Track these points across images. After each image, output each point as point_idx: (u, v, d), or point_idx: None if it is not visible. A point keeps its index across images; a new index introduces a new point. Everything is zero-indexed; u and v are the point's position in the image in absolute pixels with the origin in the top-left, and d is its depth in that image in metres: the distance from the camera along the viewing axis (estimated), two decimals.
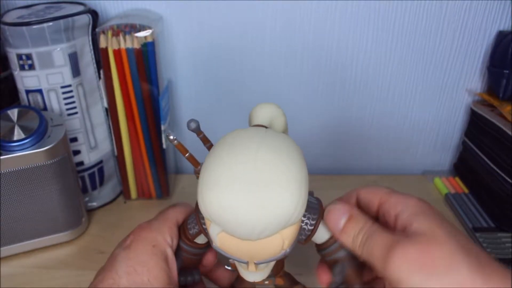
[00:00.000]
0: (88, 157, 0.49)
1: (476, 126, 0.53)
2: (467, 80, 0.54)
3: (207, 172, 0.23)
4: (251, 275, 0.27)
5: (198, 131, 0.28)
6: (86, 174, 0.49)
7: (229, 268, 0.32)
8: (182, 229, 0.32)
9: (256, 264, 0.25)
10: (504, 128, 0.47)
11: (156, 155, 0.50)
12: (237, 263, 0.27)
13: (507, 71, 0.48)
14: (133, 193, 0.53)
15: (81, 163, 0.49)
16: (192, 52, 0.54)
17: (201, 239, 0.32)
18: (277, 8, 0.50)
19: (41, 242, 0.45)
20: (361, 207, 0.29)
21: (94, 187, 0.51)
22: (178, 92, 0.56)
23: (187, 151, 0.30)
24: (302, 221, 0.27)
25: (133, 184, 0.52)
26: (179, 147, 0.29)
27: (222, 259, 0.32)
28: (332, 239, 0.28)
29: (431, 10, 0.50)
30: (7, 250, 0.43)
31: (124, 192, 0.53)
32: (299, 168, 0.23)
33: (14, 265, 0.43)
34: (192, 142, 0.59)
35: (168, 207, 0.34)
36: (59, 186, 0.43)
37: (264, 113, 0.30)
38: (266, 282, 0.31)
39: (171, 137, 0.28)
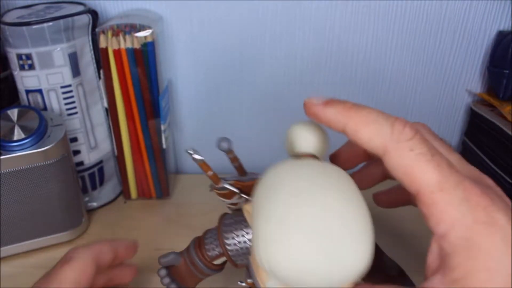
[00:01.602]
0: (88, 157, 0.49)
1: (476, 126, 0.53)
2: (467, 80, 0.54)
3: (269, 217, 0.20)
4: None
5: (229, 151, 0.27)
6: (86, 174, 0.49)
7: (244, 284, 0.29)
8: (197, 246, 0.30)
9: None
10: (504, 128, 0.47)
11: (156, 155, 0.50)
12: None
13: (507, 71, 0.48)
14: (133, 193, 0.53)
15: (81, 163, 0.49)
16: (192, 52, 0.54)
17: (219, 261, 0.30)
18: (277, 8, 0.50)
19: (41, 242, 0.45)
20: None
21: (94, 187, 0.51)
22: (178, 92, 0.56)
23: (210, 169, 0.27)
24: None
25: (133, 184, 0.52)
26: (203, 166, 0.27)
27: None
28: None
29: (431, 10, 0.50)
30: (7, 250, 0.43)
31: (124, 192, 0.53)
32: (367, 216, 0.21)
33: (14, 265, 0.43)
34: (192, 137, 0.59)
35: (62, 262, 0.32)
36: (59, 186, 0.43)
37: (312, 137, 0.27)
38: None
39: (197, 157, 0.26)
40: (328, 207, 0.20)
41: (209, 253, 0.29)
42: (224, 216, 0.29)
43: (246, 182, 0.28)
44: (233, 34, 0.52)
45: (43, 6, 0.46)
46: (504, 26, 0.50)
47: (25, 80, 0.44)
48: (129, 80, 0.46)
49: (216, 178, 0.28)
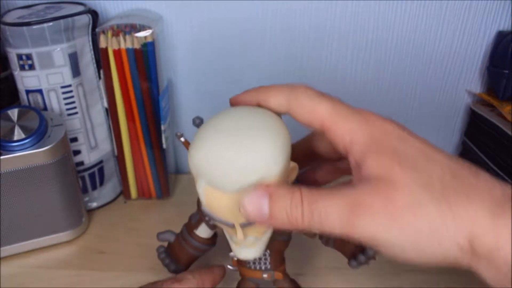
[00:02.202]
0: (88, 157, 0.49)
1: (476, 126, 0.53)
2: (466, 80, 0.54)
3: (195, 136, 0.25)
4: (243, 251, 0.28)
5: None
6: (86, 174, 0.49)
7: (231, 267, 0.33)
8: (187, 222, 0.35)
9: (242, 227, 0.26)
10: (504, 128, 0.47)
11: (156, 155, 0.50)
12: (228, 237, 0.28)
13: (507, 71, 0.48)
14: (133, 193, 0.53)
15: (81, 163, 0.49)
16: (192, 52, 0.54)
17: (202, 232, 0.34)
18: (277, 7, 0.50)
19: (41, 242, 0.45)
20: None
21: (94, 187, 0.51)
22: (178, 92, 0.56)
23: None
24: None
25: (133, 184, 0.52)
26: (186, 144, 0.31)
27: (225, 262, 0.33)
28: None
29: (431, 10, 0.50)
30: (7, 250, 0.43)
31: (124, 192, 0.53)
32: (280, 131, 0.25)
33: (14, 265, 0.44)
34: (191, 137, 0.59)
35: (203, 267, 0.34)
36: (59, 186, 0.43)
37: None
38: (265, 275, 0.31)
39: (183, 140, 0.31)
40: (243, 118, 0.25)
41: (192, 221, 0.34)
42: None
43: None
44: (233, 34, 0.52)
45: (43, 6, 0.46)
46: (504, 26, 0.50)
47: (25, 80, 0.44)
48: (129, 80, 0.46)
49: None
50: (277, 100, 0.26)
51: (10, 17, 0.43)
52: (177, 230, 0.37)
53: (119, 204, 0.53)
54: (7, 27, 0.41)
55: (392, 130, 0.23)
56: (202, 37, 0.52)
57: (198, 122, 0.29)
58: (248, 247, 0.27)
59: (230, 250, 0.29)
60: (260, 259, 0.31)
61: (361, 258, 0.31)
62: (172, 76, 0.55)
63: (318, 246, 0.39)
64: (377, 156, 0.22)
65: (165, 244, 0.38)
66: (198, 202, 0.32)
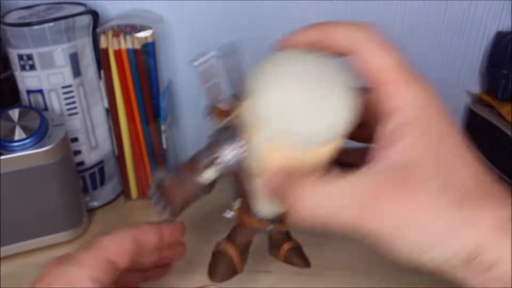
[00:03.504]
0: (89, 157, 0.49)
1: (475, 127, 0.53)
2: (466, 81, 0.54)
3: (268, 73, 0.23)
4: (266, 207, 0.26)
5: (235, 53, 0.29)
6: (86, 174, 0.50)
7: (229, 215, 0.31)
8: (190, 165, 0.30)
9: None
10: (503, 129, 0.47)
11: (157, 155, 0.50)
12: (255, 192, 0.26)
13: (506, 72, 0.48)
14: (134, 193, 0.53)
15: (82, 163, 0.49)
16: (192, 52, 0.53)
17: (206, 175, 0.30)
18: (277, 8, 0.51)
19: (42, 241, 0.45)
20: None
21: (94, 187, 0.51)
22: (178, 92, 0.56)
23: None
24: None
25: (133, 184, 0.52)
26: (205, 73, 0.29)
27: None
28: None
29: (430, 10, 0.50)
30: (7, 249, 0.43)
31: (125, 192, 0.53)
32: (353, 87, 0.23)
33: (14, 264, 0.44)
34: (192, 137, 0.59)
35: (101, 235, 0.29)
36: (60, 186, 0.43)
37: None
38: (270, 227, 0.30)
39: (197, 63, 0.29)
40: (319, 69, 0.23)
41: (200, 163, 0.29)
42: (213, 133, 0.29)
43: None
44: (233, 35, 0.52)
45: (44, 6, 0.46)
46: (503, 26, 0.50)
47: (26, 80, 0.44)
48: (130, 81, 0.46)
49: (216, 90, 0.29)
50: (345, 39, 0.23)
51: (11, 18, 0.43)
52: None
53: (119, 204, 0.53)
54: (8, 28, 0.41)
55: (442, 115, 0.22)
56: (202, 37, 0.53)
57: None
58: (274, 205, 0.26)
59: (227, 203, 0.28)
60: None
61: None
62: (172, 76, 0.55)
63: (317, 245, 0.39)
64: (415, 140, 0.21)
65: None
66: (216, 139, 0.29)
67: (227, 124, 0.29)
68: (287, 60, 0.23)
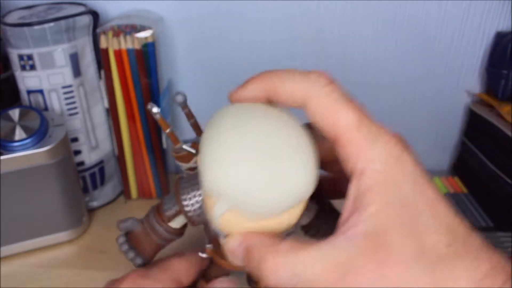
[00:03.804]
0: (89, 157, 0.49)
1: (475, 127, 0.53)
2: (466, 81, 0.54)
3: (216, 143, 0.21)
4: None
5: (184, 105, 0.28)
6: (87, 174, 0.50)
7: (204, 255, 0.30)
8: (156, 210, 0.31)
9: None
10: (503, 129, 0.47)
11: (157, 155, 0.50)
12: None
13: (506, 72, 0.49)
14: (134, 192, 0.53)
15: (82, 163, 0.49)
16: (192, 52, 0.54)
17: (176, 223, 0.30)
18: (277, 8, 0.51)
19: (42, 241, 0.45)
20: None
21: (94, 187, 0.51)
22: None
23: (168, 126, 0.29)
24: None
25: (133, 184, 0.52)
26: (161, 122, 0.29)
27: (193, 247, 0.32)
28: (317, 214, 0.29)
29: (430, 10, 0.50)
30: (7, 249, 0.44)
31: (125, 192, 0.53)
32: (309, 142, 0.22)
33: (14, 264, 0.44)
34: (192, 138, 0.60)
35: (173, 255, 0.31)
36: (60, 186, 0.43)
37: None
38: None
39: (154, 110, 0.28)
40: (269, 131, 0.21)
41: (167, 213, 0.29)
42: (180, 179, 0.29)
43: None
44: (233, 35, 0.53)
45: (44, 7, 0.46)
46: (503, 27, 0.50)
47: (27, 80, 0.44)
48: (130, 81, 0.46)
49: (174, 137, 0.29)
50: (291, 92, 0.22)
51: (11, 18, 0.43)
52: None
53: (119, 204, 0.53)
54: (8, 28, 0.41)
55: (409, 173, 0.20)
56: (202, 37, 0.53)
57: (182, 100, 0.27)
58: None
59: (200, 239, 0.28)
60: None
61: None
62: (172, 76, 0.55)
63: None
64: (383, 205, 0.20)
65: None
66: (176, 189, 0.29)
67: (189, 171, 0.29)
68: (237, 121, 0.22)
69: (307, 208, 0.28)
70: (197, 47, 0.53)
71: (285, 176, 0.21)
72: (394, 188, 0.20)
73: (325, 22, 0.51)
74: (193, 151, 0.30)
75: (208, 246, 0.28)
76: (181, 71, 0.55)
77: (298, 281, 0.20)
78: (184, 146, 0.29)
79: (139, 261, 0.31)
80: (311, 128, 0.23)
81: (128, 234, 0.32)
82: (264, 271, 0.21)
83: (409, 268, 0.19)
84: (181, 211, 0.29)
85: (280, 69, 0.23)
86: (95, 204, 0.51)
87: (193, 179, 0.28)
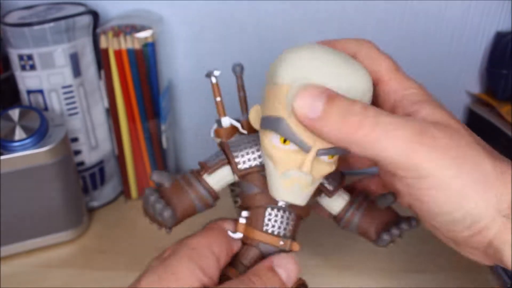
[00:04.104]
0: (89, 157, 0.49)
1: (475, 127, 0.53)
2: (465, 81, 0.54)
3: (293, 50, 0.25)
4: (289, 193, 0.25)
5: (240, 75, 0.31)
6: (87, 174, 0.50)
7: (236, 235, 0.27)
8: (194, 171, 0.28)
9: (318, 153, 0.23)
10: (503, 129, 0.47)
11: (157, 155, 0.50)
12: (272, 174, 0.25)
13: (506, 72, 0.49)
14: (134, 192, 0.53)
15: (82, 163, 0.49)
16: (192, 52, 0.54)
17: (214, 181, 0.27)
18: (278, 8, 0.51)
19: (42, 241, 0.45)
20: None
21: (95, 187, 0.51)
22: (178, 92, 0.56)
23: (220, 95, 0.31)
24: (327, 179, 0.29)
25: (133, 183, 0.52)
26: (215, 87, 0.30)
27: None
28: (348, 204, 0.29)
29: (430, 10, 0.50)
30: (7, 249, 0.44)
31: (125, 192, 0.53)
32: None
33: (14, 264, 0.44)
34: (192, 138, 0.60)
35: (197, 235, 0.27)
36: (60, 186, 0.43)
37: None
38: (282, 243, 0.27)
39: (216, 73, 0.30)
40: (338, 52, 0.25)
41: (209, 163, 0.27)
42: (226, 143, 0.28)
43: (246, 120, 0.29)
44: (233, 35, 0.53)
45: (44, 7, 0.46)
46: (503, 27, 0.51)
47: (27, 80, 0.44)
48: (130, 81, 0.46)
49: (221, 108, 0.30)
50: (345, 46, 0.28)
51: (11, 18, 0.43)
52: (177, 229, 0.31)
53: (119, 204, 0.53)
54: (8, 28, 0.41)
55: (440, 105, 0.26)
56: (202, 37, 0.53)
57: (239, 70, 0.29)
58: (294, 192, 0.25)
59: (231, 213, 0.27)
60: (281, 222, 0.27)
61: (394, 231, 0.28)
62: (173, 77, 0.55)
63: (317, 245, 0.40)
64: (433, 108, 0.24)
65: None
66: (227, 148, 0.27)
67: (232, 138, 0.29)
68: (306, 47, 0.25)
69: (338, 197, 0.30)
70: (197, 47, 0.53)
71: (356, 69, 0.24)
72: (434, 106, 0.24)
73: (324, 21, 0.51)
74: (238, 125, 0.29)
75: (242, 219, 0.26)
76: (181, 71, 0.55)
77: (379, 131, 0.21)
78: (230, 119, 0.30)
79: (167, 213, 0.26)
80: None
81: (160, 189, 0.28)
82: (350, 117, 0.21)
83: (474, 149, 0.22)
84: (229, 162, 0.27)
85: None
86: (95, 204, 0.51)
87: (244, 140, 0.28)
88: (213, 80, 0.28)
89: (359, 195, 0.31)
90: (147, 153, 0.50)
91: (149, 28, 0.44)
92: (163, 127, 0.49)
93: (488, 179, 0.21)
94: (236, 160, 0.27)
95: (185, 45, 0.53)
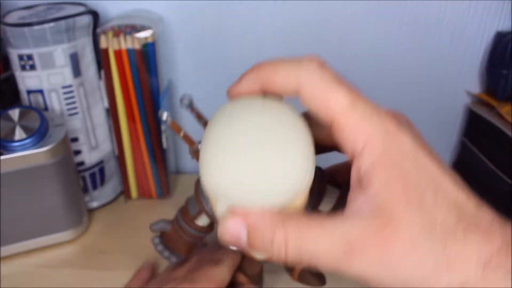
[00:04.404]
0: (89, 157, 0.49)
1: (475, 127, 0.53)
2: (466, 81, 0.54)
3: (209, 144, 0.21)
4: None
5: (191, 107, 0.28)
6: (87, 174, 0.50)
7: (235, 248, 0.31)
8: (183, 210, 0.33)
9: None
10: (502, 128, 0.47)
11: (157, 155, 0.50)
12: None
13: (506, 72, 0.49)
14: (134, 192, 0.53)
15: (82, 163, 0.49)
16: (192, 52, 0.54)
17: (202, 221, 0.32)
18: (278, 8, 0.51)
19: (42, 241, 0.45)
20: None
21: (95, 187, 0.51)
22: (178, 92, 0.56)
23: (181, 129, 0.29)
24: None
25: (133, 183, 0.52)
26: (173, 126, 0.29)
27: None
28: (340, 198, 0.29)
29: (430, 10, 0.50)
30: (8, 249, 0.44)
31: (125, 192, 0.53)
32: (306, 135, 0.22)
33: (15, 264, 0.44)
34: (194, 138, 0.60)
35: (208, 259, 0.35)
36: (60, 186, 0.43)
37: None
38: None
39: (165, 116, 0.28)
40: (262, 126, 0.21)
41: (191, 213, 0.32)
42: (199, 180, 0.30)
43: None
44: (233, 35, 0.53)
45: (44, 7, 0.46)
46: (503, 26, 0.50)
47: (27, 80, 0.44)
48: (130, 81, 0.46)
49: (189, 139, 0.30)
50: (285, 82, 0.22)
51: (11, 18, 0.43)
52: None
53: (119, 204, 0.53)
54: (8, 28, 0.41)
55: (409, 148, 0.20)
56: (202, 37, 0.53)
57: (188, 103, 0.27)
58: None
59: None
60: None
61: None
62: (173, 76, 0.55)
63: None
64: (384, 184, 0.20)
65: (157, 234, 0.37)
66: (196, 190, 0.30)
67: None
68: (230, 119, 0.22)
69: (329, 193, 0.28)
70: (197, 47, 0.53)
71: (277, 170, 0.20)
72: (395, 165, 0.20)
73: (325, 21, 0.51)
74: None
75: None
76: (181, 71, 0.55)
77: (305, 256, 0.20)
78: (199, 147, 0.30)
79: (174, 259, 0.34)
80: (309, 117, 0.23)
81: (162, 235, 0.35)
82: (273, 248, 0.20)
83: (418, 243, 0.19)
84: (202, 211, 0.31)
85: (272, 59, 0.23)
86: (95, 204, 0.51)
87: None
88: (164, 118, 0.28)
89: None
90: (147, 153, 0.50)
91: (149, 28, 0.44)
92: (163, 127, 0.49)
93: (435, 272, 0.19)
94: (207, 208, 0.30)
95: (185, 45, 0.53)
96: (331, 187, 0.29)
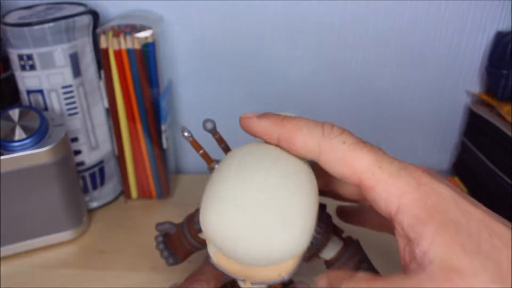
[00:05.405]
0: (89, 157, 0.49)
1: (475, 126, 0.53)
2: (466, 81, 0.54)
3: (213, 189, 0.22)
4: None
5: (214, 131, 0.28)
6: (87, 174, 0.50)
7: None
8: (189, 219, 0.33)
9: (253, 284, 0.24)
10: (503, 128, 0.47)
11: (157, 155, 0.50)
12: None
13: (506, 72, 0.49)
14: (134, 192, 0.53)
15: (82, 163, 0.49)
16: (192, 52, 0.54)
17: (204, 235, 0.32)
18: (278, 8, 0.51)
19: (42, 241, 0.45)
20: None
21: (94, 187, 0.51)
22: (178, 92, 0.56)
23: (201, 147, 0.29)
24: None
25: (133, 184, 0.52)
26: (193, 143, 0.29)
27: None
28: (342, 250, 0.28)
29: (430, 10, 0.50)
30: (7, 249, 0.44)
31: (125, 192, 0.53)
32: (308, 202, 0.22)
33: (14, 264, 0.44)
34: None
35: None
36: (60, 186, 0.43)
37: None
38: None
39: (186, 134, 0.28)
40: (263, 187, 0.21)
41: (195, 226, 0.32)
42: None
43: None
44: (234, 34, 0.53)
45: (44, 6, 0.46)
46: (503, 26, 0.50)
47: (26, 80, 0.44)
48: (130, 81, 0.46)
49: (207, 157, 0.29)
50: (305, 144, 0.22)
51: (11, 18, 0.43)
52: None
53: (119, 204, 0.53)
54: (8, 28, 0.41)
55: (449, 197, 0.20)
56: (202, 37, 0.53)
57: (211, 127, 0.26)
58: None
59: None
60: None
61: None
62: (173, 77, 0.55)
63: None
64: (435, 234, 0.19)
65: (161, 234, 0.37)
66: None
67: None
68: (240, 167, 0.22)
69: (332, 244, 0.28)
70: (197, 47, 0.53)
71: (271, 235, 0.20)
72: (440, 214, 0.19)
73: (325, 20, 0.51)
74: None
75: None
76: (181, 71, 0.55)
77: None
78: (217, 166, 0.29)
79: (171, 260, 0.35)
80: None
81: (165, 235, 0.35)
82: None
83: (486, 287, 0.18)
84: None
85: (294, 117, 0.23)
86: (95, 204, 0.51)
87: None
88: (186, 135, 0.28)
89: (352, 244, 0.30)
90: (147, 153, 0.50)
91: (149, 28, 0.44)
92: (163, 127, 0.49)
93: None
94: None
95: (185, 45, 0.53)
96: (335, 238, 0.29)
